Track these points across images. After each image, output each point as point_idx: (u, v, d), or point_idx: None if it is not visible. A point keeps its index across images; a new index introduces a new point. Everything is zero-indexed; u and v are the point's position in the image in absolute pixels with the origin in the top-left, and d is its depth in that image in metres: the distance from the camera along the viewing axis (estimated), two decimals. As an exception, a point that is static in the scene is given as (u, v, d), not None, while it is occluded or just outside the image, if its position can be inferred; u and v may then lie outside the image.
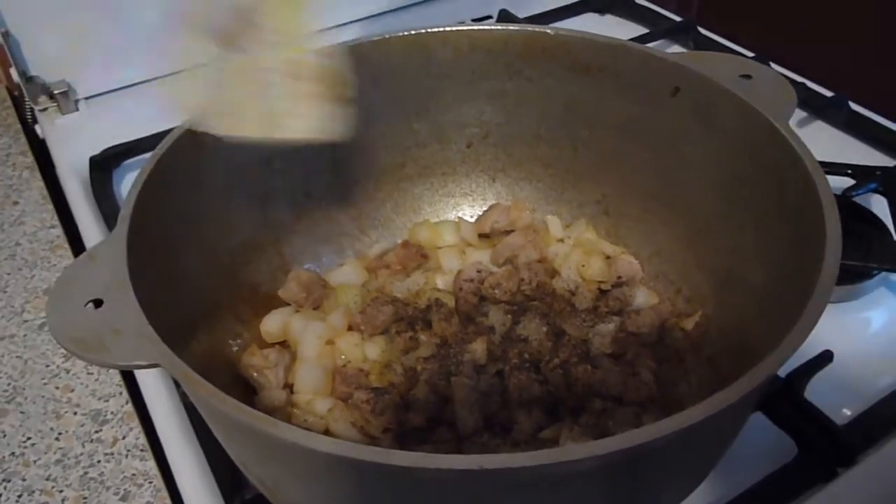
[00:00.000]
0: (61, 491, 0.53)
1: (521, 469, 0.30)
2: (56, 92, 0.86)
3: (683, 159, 0.52)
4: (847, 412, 0.54)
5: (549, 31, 0.53)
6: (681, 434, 0.31)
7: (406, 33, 0.54)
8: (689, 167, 0.52)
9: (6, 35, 0.82)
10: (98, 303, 0.37)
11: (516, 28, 0.51)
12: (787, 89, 0.47)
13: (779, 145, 0.44)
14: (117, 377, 0.61)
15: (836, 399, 0.54)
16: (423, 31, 0.54)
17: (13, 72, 0.85)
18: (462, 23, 0.55)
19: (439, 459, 0.30)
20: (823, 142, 0.43)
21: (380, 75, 0.55)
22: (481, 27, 0.55)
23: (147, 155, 0.76)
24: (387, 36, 0.54)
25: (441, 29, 0.55)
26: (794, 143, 0.42)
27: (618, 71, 0.53)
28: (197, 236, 0.48)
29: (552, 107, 0.56)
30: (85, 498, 0.52)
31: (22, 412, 0.58)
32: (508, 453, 0.31)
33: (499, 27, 0.54)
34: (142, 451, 0.55)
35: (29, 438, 0.56)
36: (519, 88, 0.52)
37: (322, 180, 0.57)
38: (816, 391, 0.53)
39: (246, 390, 0.49)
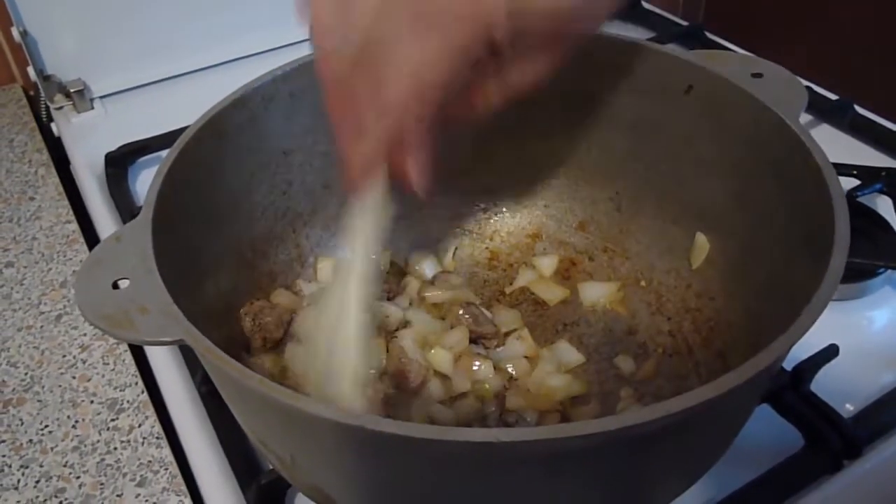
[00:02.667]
0: (78, 477, 0.54)
1: (535, 442, 0.31)
2: (72, 90, 0.87)
3: (696, 157, 0.53)
4: (851, 406, 0.55)
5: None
6: (690, 413, 0.32)
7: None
8: (701, 165, 0.53)
9: (24, 34, 0.83)
10: (124, 283, 0.38)
11: (531, 26, 0.52)
12: (798, 87, 0.48)
13: (790, 141, 0.44)
14: (133, 367, 0.62)
15: (841, 393, 0.55)
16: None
17: (30, 70, 0.86)
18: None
19: (456, 432, 0.31)
20: (829, 144, 0.44)
21: None
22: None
23: (163, 152, 0.79)
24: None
25: None
26: (804, 139, 0.43)
27: (631, 69, 0.53)
28: (218, 225, 0.49)
29: (566, 104, 0.57)
30: (102, 484, 0.53)
31: (39, 401, 0.59)
32: (523, 428, 0.31)
33: (513, 24, 0.55)
34: (157, 438, 0.56)
35: (46, 426, 0.57)
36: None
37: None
38: (822, 385, 0.54)
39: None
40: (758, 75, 0.49)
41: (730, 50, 0.93)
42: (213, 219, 0.49)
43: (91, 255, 0.40)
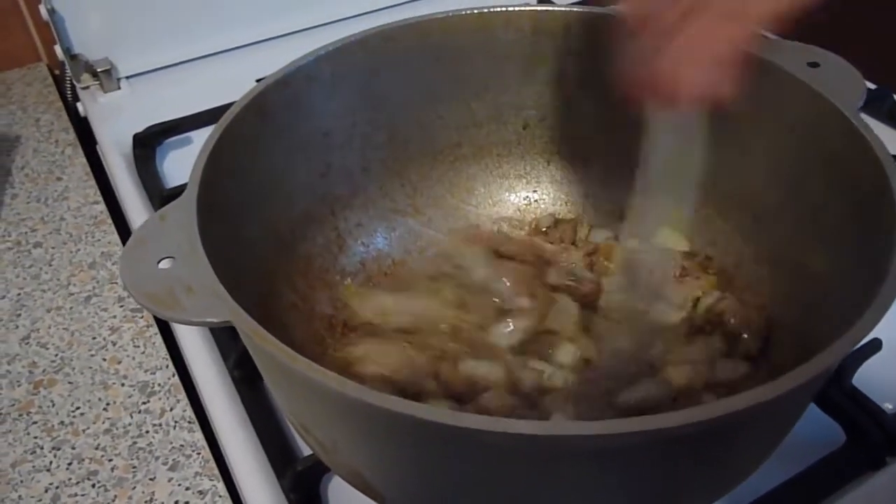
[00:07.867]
0: (111, 460, 0.53)
1: (587, 437, 0.30)
2: (99, 70, 0.87)
3: (744, 149, 0.52)
4: (891, 405, 0.54)
5: (611, 13, 0.53)
6: (750, 411, 0.31)
7: (468, 12, 0.54)
8: (749, 157, 0.52)
9: (52, 12, 0.82)
10: (168, 262, 0.38)
11: (579, 11, 0.50)
12: (856, 77, 0.47)
13: (848, 134, 0.43)
14: (163, 350, 0.61)
15: (883, 388, 0.54)
16: (485, 10, 0.54)
17: (57, 49, 0.86)
18: (525, 3, 0.55)
19: (504, 423, 0.30)
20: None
21: (442, 53, 0.56)
22: (544, 9, 0.55)
23: (191, 133, 0.79)
24: (450, 14, 0.54)
25: (504, 9, 0.55)
26: (863, 131, 0.42)
27: (681, 58, 0.52)
28: (258, 206, 0.49)
29: (612, 91, 0.56)
30: (134, 467, 0.53)
31: (70, 382, 0.59)
32: (576, 421, 0.31)
33: (562, 9, 0.54)
34: (189, 422, 0.56)
35: (78, 408, 0.57)
36: (579, 72, 0.52)
37: (380, 156, 0.57)
38: (864, 380, 0.53)
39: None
40: (814, 65, 0.47)
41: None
42: (254, 200, 0.48)
43: (135, 233, 0.40)
